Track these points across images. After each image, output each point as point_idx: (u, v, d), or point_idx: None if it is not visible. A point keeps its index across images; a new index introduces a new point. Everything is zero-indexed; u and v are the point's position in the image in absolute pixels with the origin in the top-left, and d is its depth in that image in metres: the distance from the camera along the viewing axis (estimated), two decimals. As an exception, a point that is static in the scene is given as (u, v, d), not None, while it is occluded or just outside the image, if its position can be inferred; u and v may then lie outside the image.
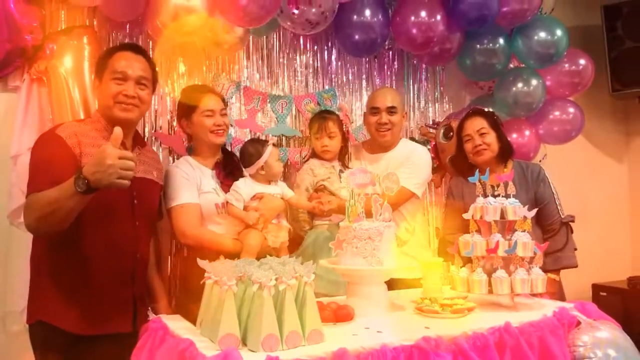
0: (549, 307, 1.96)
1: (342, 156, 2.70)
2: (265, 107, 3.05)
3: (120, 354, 1.80)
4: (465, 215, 2.10)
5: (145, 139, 2.59)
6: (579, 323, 1.88)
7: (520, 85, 3.25)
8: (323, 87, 3.21)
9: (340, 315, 1.76)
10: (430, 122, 3.47)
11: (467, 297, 2.03)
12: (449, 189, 2.89)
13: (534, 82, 3.25)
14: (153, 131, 2.79)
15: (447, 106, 3.58)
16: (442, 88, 3.58)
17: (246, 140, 2.65)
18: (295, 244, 2.51)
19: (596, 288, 3.86)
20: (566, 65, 3.37)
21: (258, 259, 1.72)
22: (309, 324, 1.52)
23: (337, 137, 2.64)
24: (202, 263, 1.66)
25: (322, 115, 2.68)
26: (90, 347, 1.97)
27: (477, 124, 2.68)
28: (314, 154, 2.71)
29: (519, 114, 3.30)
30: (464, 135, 2.72)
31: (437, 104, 3.57)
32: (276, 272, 1.52)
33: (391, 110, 2.68)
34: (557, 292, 2.57)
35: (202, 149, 2.40)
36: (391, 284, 2.07)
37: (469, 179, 2.17)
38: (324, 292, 2.26)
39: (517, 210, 2.04)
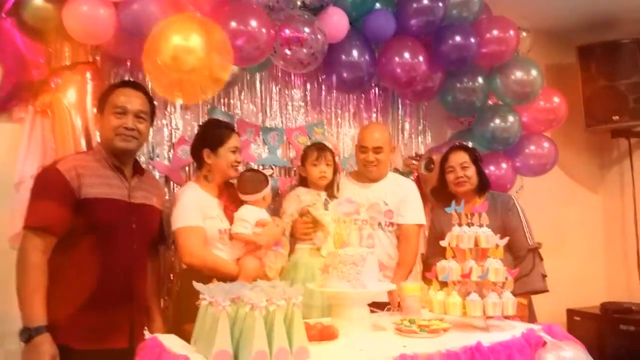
0: (518, 329, 2.10)
1: (329, 186, 2.85)
2: (258, 139, 3.21)
3: None
4: (442, 243, 2.26)
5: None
6: (545, 343, 2.02)
7: (498, 121, 3.44)
8: (313, 120, 3.38)
9: (325, 334, 1.90)
10: (413, 154, 3.64)
11: (443, 318, 2.16)
12: (432, 217, 3.06)
13: (510, 118, 3.44)
14: (150, 160, 2.93)
15: (429, 139, 3.77)
16: (424, 122, 3.76)
17: (247, 169, 2.81)
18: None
19: (570, 313, 4.00)
20: (541, 102, 3.57)
21: (251, 283, 1.87)
22: (296, 342, 1.66)
23: (332, 167, 2.80)
24: (197, 286, 1.80)
25: (321, 146, 2.85)
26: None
27: (460, 158, 2.89)
28: (302, 182, 2.85)
29: (496, 147, 3.48)
30: (447, 166, 2.91)
31: (419, 137, 3.75)
32: (267, 294, 1.66)
33: (378, 149, 2.85)
34: (526, 316, 2.71)
35: (215, 179, 2.55)
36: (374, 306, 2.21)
37: (446, 209, 2.34)
38: None
39: (490, 238, 2.20)
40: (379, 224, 2.81)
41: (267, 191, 2.54)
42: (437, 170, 3.11)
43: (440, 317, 2.17)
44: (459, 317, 2.13)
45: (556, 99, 3.59)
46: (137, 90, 2.30)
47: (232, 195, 2.57)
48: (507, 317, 2.18)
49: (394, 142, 3.57)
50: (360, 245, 2.15)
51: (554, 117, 3.61)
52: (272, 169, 3.20)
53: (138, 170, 2.37)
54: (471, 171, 2.87)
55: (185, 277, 2.43)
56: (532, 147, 3.58)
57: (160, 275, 2.57)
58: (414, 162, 3.58)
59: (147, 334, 2.04)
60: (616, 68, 4.09)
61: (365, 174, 2.91)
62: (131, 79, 2.77)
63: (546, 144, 3.60)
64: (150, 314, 2.45)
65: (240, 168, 3.01)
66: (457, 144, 3.10)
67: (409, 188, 2.94)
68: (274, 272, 2.44)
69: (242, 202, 2.55)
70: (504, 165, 3.49)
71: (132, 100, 2.25)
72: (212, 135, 2.54)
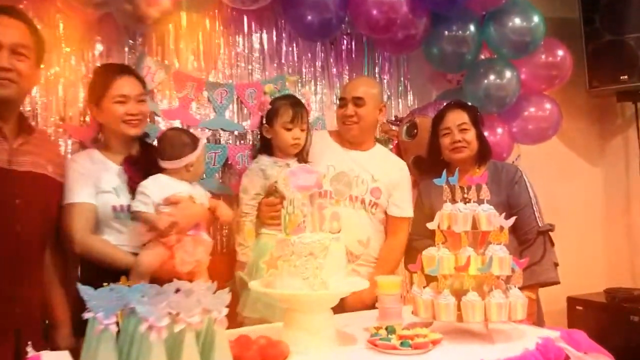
0: (530, 337, 1.62)
1: (300, 152, 2.28)
2: (201, 96, 2.62)
3: None
4: (430, 225, 1.73)
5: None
6: (567, 357, 1.53)
7: (492, 77, 2.92)
8: (270, 75, 2.80)
9: (268, 356, 1.36)
10: (392, 118, 3.10)
11: (432, 324, 1.67)
12: (419, 191, 2.55)
13: (507, 74, 2.93)
14: (61, 122, 2.36)
15: (412, 101, 3.24)
16: (406, 80, 3.24)
17: (169, 128, 2.20)
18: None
19: (572, 301, 3.55)
20: (542, 56, 3.08)
21: (164, 282, 1.31)
22: (218, 376, 1.12)
23: (306, 131, 2.26)
24: (82, 289, 1.24)
25: (296, 102, 2.24)
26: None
27: (458, 118, 2.39)
28: (265, 150, 2.26)
29: (490, 109, 2.96)
30: (443, 128, 2.41)
31: (400, 98, 3.22)
32: (173, 306, 1.11)
33: (357, 101, 2.33)
34: (534, 314, 2.23)
35: (112, 141, 2.02)
36: (342, 303, 1.68)
37: (435, 181, 1.81)
38: (257, 317, 1.96)
39: (492, 218, 1.69)
40: (362, 201, 2.29)
41: (191, 158, 1.94)
42: (424, 136, 2.60)
43: (427, 322, 1.66)
44: (453, 322, 1.62)
45: (560, 52, 3.09)
46: (13, 18, 1.72)
47: (142, 159, 1.99)
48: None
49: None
50: (321, 229, 1.59)
51: (557, 73, 3.11)
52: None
53: (24, 128, 1.82)
54: (471, 134, 2.37)
55: (83, 269, 1.93)
56: (532, 109, 3.10)
57: (67, 267, 2.00)
58: (393, 127, 3.03)
59: (30, 351, 1.49)
60: (624, 20, 3.56)
61: (344, 134, 2.39)
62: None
63: (548, 105, 3.11)
64: (53, 318, 1.91)
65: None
66: (454, 101, 2.57)
67: (403, 171, 2.46)
68: (188, 267, 1.84)
69: (157, 169, 1.96)
70: (499, 130, 2.99)
71: (6, 31, 1.68)
72: (94, 85, 2.01)
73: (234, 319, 2.17)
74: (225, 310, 1.16)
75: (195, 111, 2.61)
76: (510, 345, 1.56)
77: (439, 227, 1.72)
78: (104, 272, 1.78)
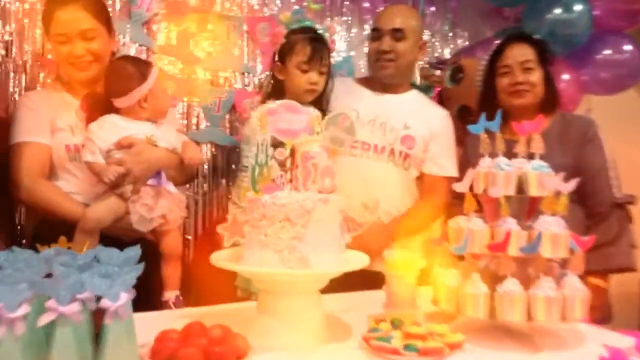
0: (591, 344, 1.20)
1: (318, 100, 1.89)
2: (205, 30, 2.28)
3: None
4: (458, 187, 1.30)
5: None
6: (645, 379, 1.10)
7: (557, 11, 2.47)
8: (284, 10, 2.39)
9: (215, 355, 1.00)
10: (434, 61, 2.64)
11: (455, 318, 1.28)
12: (465, 147, 2.12)
13: (577, 7, 2.46)
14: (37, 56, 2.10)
15: (460, 41, 2.80)
16: (454, 17, 2.80)
17: (117, 58, 1.85)
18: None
19: (649, 287, 3.05)
20: (623, -14, 2.58)
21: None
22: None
23: (326, 75, 1.89)
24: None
25: (316, 37, 1.87)
26: None
27: (521, 54, 1.95)
28: (276, 94, 1.86)
29: (555, 51, 2.45)
30: (501, 65, 1.97)
31: (447, 40, 2.79)
32: (38, 288, 0.75)
33: (396, 34, 1.94)
34: (601, 306, 1.78)
35: (71, 80, 1.73)
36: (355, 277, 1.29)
37: (469, 128, 1.37)
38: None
39: (546, 180, 1.26)
40: (391, 151, 1.92)
41: (142, 91, 1.59)
42: (472, 80, 2.16)
43: (448, 314, 1.27)
44: (484, 319, 1.21)
45: (646, -20, 2.55)
46: None
47: (106, 101, 1.67)
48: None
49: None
50: (305, 187, 1.20)
51: (639, 7, 2.59)
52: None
53: None
54: (536, 75, 1.93)
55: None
56: (607, 52, 2.60)
57: (12, 219, 1.86)
58: (435, 71, 2.57)
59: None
60: None
61: (376, 73, 2.01)
62: None
63: (628, 47, 2.59)
64: None
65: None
66: (518, 32, 2.12)
67: (444, 121, 2.04)
68: (149, 224, 1.55)
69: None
70: (564, 77, 2.52)
71: None
72: (42, 18, 1.74)
73: (234, 292, 1.86)
74: (124, 297, 0.80)
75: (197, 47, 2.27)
76: (562, 357, 1.15)
77: (471, 189, 1.30)
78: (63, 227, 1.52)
